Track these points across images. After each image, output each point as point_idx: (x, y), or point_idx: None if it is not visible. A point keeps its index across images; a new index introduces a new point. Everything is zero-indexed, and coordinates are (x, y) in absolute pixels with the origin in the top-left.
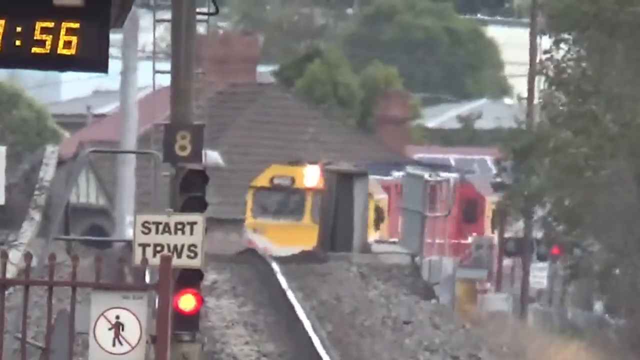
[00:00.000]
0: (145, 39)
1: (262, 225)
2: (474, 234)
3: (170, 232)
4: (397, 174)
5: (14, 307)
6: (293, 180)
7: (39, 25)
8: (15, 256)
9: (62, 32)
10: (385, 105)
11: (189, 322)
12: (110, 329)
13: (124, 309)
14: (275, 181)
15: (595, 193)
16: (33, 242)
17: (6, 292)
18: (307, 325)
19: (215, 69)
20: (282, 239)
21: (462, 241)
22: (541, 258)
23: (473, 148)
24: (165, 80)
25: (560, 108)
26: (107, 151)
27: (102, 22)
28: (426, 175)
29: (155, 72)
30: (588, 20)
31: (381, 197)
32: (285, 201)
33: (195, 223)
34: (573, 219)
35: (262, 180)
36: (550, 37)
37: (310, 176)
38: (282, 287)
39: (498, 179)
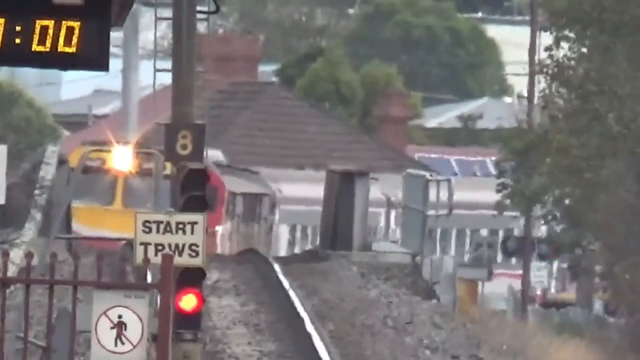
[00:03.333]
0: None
1: (72, 209)
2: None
3: (171, 232)
4: None
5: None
6: (104, 162)
7: (39, 23)
8: (16, 255)
9: (63, 30)
10: (385, 105)
11: (191, 321)
12: (112, 328)
13: (125, 307)
14: (86, 163)
15: (596, 192)
16: (34, 241)
17: (7, 291)
18: (308, 324)
19: (217, 67)
20: (92, 223)
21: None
22: (542, 257)
23: (474, 148)
24: (166, 79)
25: (561, 106)
26: (108, 150)
27: (103, 20)
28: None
29: (156, 70)
30: (590, 19)
31: None
32: (95, 184)
33: (195, 223)
34: (573, 217)
35: (72, 162)
36: (551, 33)
37: (122, 159)
38: (284, 286)
39: (500, 181)
